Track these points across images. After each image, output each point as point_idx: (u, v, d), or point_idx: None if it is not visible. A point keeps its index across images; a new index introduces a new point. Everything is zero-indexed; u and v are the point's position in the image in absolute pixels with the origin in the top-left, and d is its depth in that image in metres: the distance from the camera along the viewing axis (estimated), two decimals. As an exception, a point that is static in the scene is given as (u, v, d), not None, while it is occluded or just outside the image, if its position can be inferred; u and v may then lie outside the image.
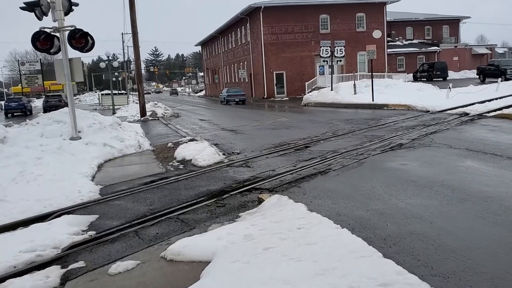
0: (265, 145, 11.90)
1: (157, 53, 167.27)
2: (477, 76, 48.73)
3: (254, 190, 7.33)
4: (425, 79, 48.13)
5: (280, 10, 43.81)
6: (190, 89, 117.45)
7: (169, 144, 13.03)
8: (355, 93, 26.72)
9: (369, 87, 27.08)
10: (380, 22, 46.96)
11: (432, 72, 49.93)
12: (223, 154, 10.44)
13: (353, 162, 8.86)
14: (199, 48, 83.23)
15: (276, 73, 44.56)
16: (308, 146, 11.19)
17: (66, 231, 5.66)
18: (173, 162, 10.21)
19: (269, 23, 43.67)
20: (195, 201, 6.91)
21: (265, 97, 44.19)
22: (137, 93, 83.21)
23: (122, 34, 74.17)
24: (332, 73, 30.63)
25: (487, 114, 15.08)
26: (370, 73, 45.49)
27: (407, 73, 51.36)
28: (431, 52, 58.70)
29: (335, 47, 29.16)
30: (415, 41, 61.85)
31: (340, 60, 29.47)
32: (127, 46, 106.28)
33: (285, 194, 6.91)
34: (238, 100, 38.69)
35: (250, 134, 14.46)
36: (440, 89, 27.69)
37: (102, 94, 48.98)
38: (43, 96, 47.46)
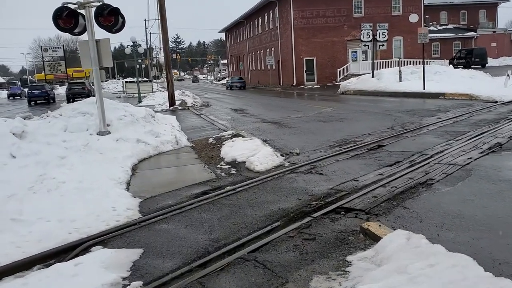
0: (325, 142, 10.03)
1: (179, 40, 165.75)
2: None
3: (344, 211, 5.48)
4: (462, 66, 45.32)
5: (312, -8, 41.51)
6: (213, 76, 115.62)
7: (210, 140, 11.26)
8: (400, 81, 24.54)
9: (415, 74, 24.93)
10: (417, 5, 44.31)
11: (470, 59, 47.09)
12: (281, 155, 8.59)
13: (456, 170, 6.92)
14: (221, 36, 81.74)
15: (306, 60, 42.42)
16: (381, 144, 9.27)
17: (101, 280, 3.92)
18: (222, 165, 8.42)
19: (300, 6, 41.43)
20: (269, 227, 5.10)
21: (294, 84, 42.16)
22: (160, 80, 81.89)
23: (145, 20, 72.64)
24: (373, 58, 28.38)
25: None
26: (405, 59, 43.24)
27: (443, 60, 48.63)
28: (468, 37, 55.59)
29: (377, 30, 26.90)
30: (450, 26, 58.73)
31: (383, 45, 27.22)
32: (150, 33, 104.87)
33: (391, 218, 5.07)
34: (239, 86, 48.74)
35: (299, 128, 12.58)
36: (493, 76, 25.28)
37: (126, 82, 47.57)
38: (66, 84, 46.30)
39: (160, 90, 44.65)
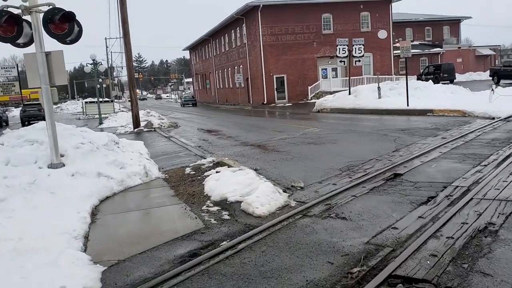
0: (329, 170, 8.39)
1: (141, 59, 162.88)
2: (489, 78, 46.25)
3: (402, 282, 3.81)
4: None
5: (280, 8, 40.46)
6: (177, 95, 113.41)
7: (188, 170, 9.44)
8: (379, 97, 23.41)
9: (394, 90, 23.91)
10: (386, 21, 44.10)
11: (438, 74, 47.13)
12: (284, 191, 6.87)
13: (516, 209, 5.41)
14: (184, 54, 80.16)
15: (276, 77, 41.15)
16: (398, 173, 7.69)
17: None
18: (209, 206, 6.62)
19: (268, 23, 40.30)
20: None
21: (264, 102, 40.73)
22: (121, 100, 79.02)
23: (105, 38, 70.10)
24: (349, 75, 27.27)
25: None
26: (375, 76, 42.64)
27: (410, 76, 48.52)
28: (434, 53, 56.03)
29: (353, 45, 25.83)
30: (415, 42, 59.07)
31: (359, 60, 26.16)
32: (111, 52, 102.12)
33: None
34: (191, 103, 57.99)
35: (290, 153, 10.93)
36: (472, 92, 24.58)
37: (86, 102, 44.96)
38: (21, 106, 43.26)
39: (123, 111, 42.33)
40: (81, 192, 7.49)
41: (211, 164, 9.63)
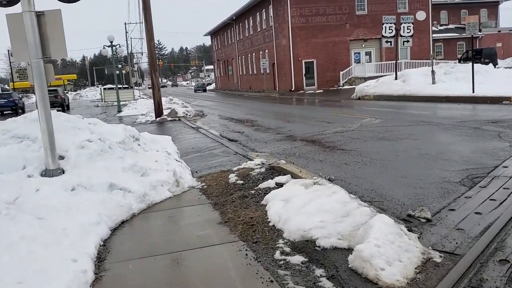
0: (445, 184, 5.69)
1: (160, 46, 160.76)
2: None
3: None
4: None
5: (310, -13, 37.43)
6: (197, 82, 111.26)
7: (232, 177, 6.86)
8: (433, 83, 20.49)
9: (450, 75, 20.99)
10: (424, 1, 40.66)
11: (479, 59, 43.41)
12: (409, 230, 4.19)
13: None
14: (204, 41, 78.28)
15: (305, 62, 38.25)
16: None
17: None
18: (285, 252, 4.03)
19: (297, 3, 37.32)
20: None
21: (292, 89, 37.95)
22: (141, 87, 77.39)
23: (125, 23, 67.66)
24: (396, 58, 24.30)
25: None
26: (413, 60, 39.41)
27: (446, 60, 45.07)
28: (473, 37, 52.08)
29: (401, 24, 22.83)
30: (451, 26, 55.42)
31: (408, 41, 23.14)
32: (131, 38, 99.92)
33: None
34: (201, 89, 68.90)
35: (362, 152, 8.27)
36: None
37: (104, 89, 42.79)
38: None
39: (143, 98, 40.07)
40: (84, 217, 4.98)
41: (263, 170, 7.03)
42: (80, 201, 5.38)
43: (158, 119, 19.07)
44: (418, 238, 4.02)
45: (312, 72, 38.65)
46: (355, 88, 25.61)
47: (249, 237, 4.50)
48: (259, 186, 6.17)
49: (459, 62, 44.46)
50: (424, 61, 38.37)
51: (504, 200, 4.92)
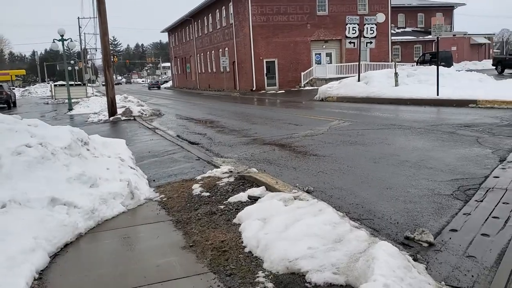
0: (437, 197, 5.10)
1: (116, 42, 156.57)
2: (485, 68, 44.07)
3: None
4: (427, 71, 42.61)
5: (272, -15, 36.89)
6: (153, 80, 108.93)
7: (197, 189, 6.04)
8: (396, 85, 20.32)
9: (413, 77, 20.92)
10: (384, 4, 41.00)
11: (435, 62, 44.45)
12: (414, 259, 3.52)
13: None
14: (161, 38, 77.10)
15: (266, 61, 37.67)
16: None
17: None
18: (266, 287, 3.28)
19: (259, 1, 36.66)
20: None
21: (253, 89, 37.28)
22: (95, 85, 74.72)
23: (78, 18, 64.89)
24: (359, 60, 24.05)
25: None
26: (372, 62, 39.59)
27: (404, 63, 45.77)
28: (429, 41, 53.35)
29: (364, 25, 22.57)
30: (408, 29, 56.48)
31: (371, 42, 22.92)
32: (84, 33, 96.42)
33: None
34: (156, 87, 72.33)
35: (337, 158, 7.65)
36: (496, 79, 21.78)
37: (55, 85, 40.61)
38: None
39: (96, 95, 38.30)
40: (15, 243, 4.04)
41: (232, 179, 6.25)
42: (12, 221, 4.41)
43: (111, 118, 17.88)
44: (426, 269, 3.36)
45: (274, 72, 38.13)
46: (317, 89, 25.22)
47: (221, 267, 3.70)
48: (228, 199, 5.39)
49: (417, 64, 45.30)
50: (383, 63, 38.68)
51: (508, 219, 4.35)
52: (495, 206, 4.73)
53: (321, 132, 10.83)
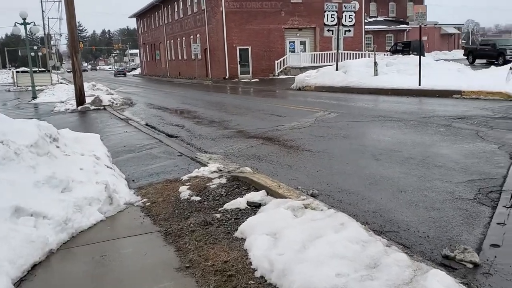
0: (461, 203, 4.55)
1: (81, 28, 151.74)
2: (456, 57, 44.43)
3: None
4: (400, 60, 42.68)
5: (245, -30, 35.91)
6: (121, 67, 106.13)
7: (184, 192, 5.32)
8: (375, 74, 19.92)
9: (392, 66, 20.61)
10: (358, -8, 40.50)
11: (408, 52, 44.54)
12: None
13: None
14: (128, 24, 75.17)
15: (239, 49, 36.79)
16: None
17: None
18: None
19: (232, -14, 35.65)
20: None
21: (226, 77, 36.40)
22: (60, 71, 71.98)
23: (41, 1, 61.90)
24: (338, 48, 23.54)
25: None
26: (346, 51, 39.21)
27: (377, 52, 45.75)
28: (400, 30, 53.55)
29: (343, 12, 22.02)
30: (379, 18, 56.44)
31: (349, 30, 22.41)
32: (48, 18, 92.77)
33: None
34: (122, 74, 72.31)
35: (333, 154, 7.06)
36: (474, 70, 21.77)
37: (17, 72, 38.64)
38: None
39: (62, 83, 36.67)
40: (-31, 269, 3.25)
41: (224, 180, 5.55)
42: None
43: (80, 108, 16.80)
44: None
45: (247, 60, 37.31)
46: (292, 78, 24.65)
47: (224, 294, 3.03)
48: (224, 206, 4.70)
49: (390, 54, 45.32)
50: (357, 52, 38.49)
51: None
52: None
53: (308, 124, 10.22)
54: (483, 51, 37.17)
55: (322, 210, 3.96)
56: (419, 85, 16.51)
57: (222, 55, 36.64)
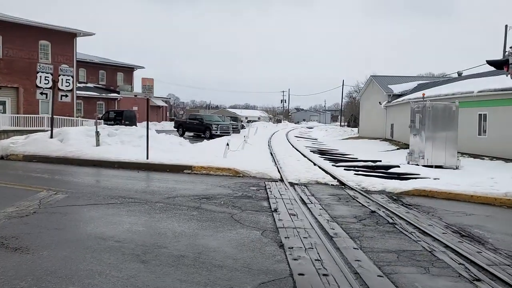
0: None
1: None
2: (165, 128, 47.20)
3: None
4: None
5: None
6: None
7: None
8: (98, 145, 18.55)
9: (115, 137, 19.82)
10: (69, 56, 38.88)
11: (120, 120, 44.88)
12: None
13: None
14: None
15: None
16: None
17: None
18: None
19: None
20: None
21: None
22: None
23: None
24: (52, 113, 21.07)
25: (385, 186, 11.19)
26: (56, 116, 36.12)
27: (87, 119, 44.38)
28: (112, 98, 53.56)
29: (59, 75, 20.00)
30: (89, 84, 55.36)
31: (66, 96, 20.42)
32: None
33: None
34: None
35: (99, 266, 5.48)
36: (192, 143, 23.04)
37: None
38: None
39: None
40: None
41: None
42: None
43: None
44: None
45: None
46: (-4, 144, 20.66)
47: None
48: None
49: (104, 122, 44.33)
50: (67, 118, 36.21)
51: None
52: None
53: (31, 210, 8.09)
54: (192, 124, 40.37)
55: None
56: (147, 158, 15.99)
57: None
